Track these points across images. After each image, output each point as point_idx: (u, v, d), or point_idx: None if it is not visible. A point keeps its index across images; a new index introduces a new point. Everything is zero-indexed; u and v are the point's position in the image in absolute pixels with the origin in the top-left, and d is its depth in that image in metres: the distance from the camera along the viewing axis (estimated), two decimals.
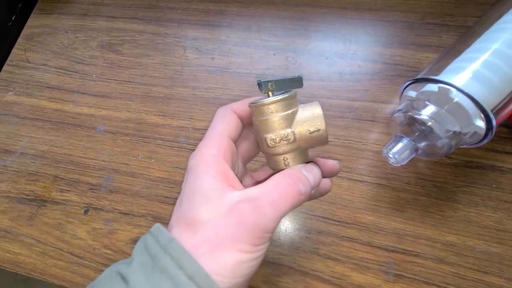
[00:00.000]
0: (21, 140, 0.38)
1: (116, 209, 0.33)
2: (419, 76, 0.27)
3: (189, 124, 0.36)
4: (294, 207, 0.18)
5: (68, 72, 0.41)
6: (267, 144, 0.19)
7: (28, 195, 0.35)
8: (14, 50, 0.43)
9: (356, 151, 0.32)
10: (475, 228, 0.28)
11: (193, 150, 0.35)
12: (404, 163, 0.26)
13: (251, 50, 0.38)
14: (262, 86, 0.18)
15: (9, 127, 0.39)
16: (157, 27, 0.41)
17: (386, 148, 0.26)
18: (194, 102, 0.37)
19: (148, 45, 0.40)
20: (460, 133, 0.24)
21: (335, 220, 0.30)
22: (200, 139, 0.37)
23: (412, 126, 0.26)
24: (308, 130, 0.18)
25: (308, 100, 0.34)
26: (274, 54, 0.37)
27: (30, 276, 0.32)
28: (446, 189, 0.29)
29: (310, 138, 0.18)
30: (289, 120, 0.18)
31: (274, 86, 0.18)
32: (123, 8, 0.43)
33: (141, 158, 0.35)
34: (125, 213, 0.33)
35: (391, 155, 0.26)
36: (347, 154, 0.32)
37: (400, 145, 0.25)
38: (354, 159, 0.32)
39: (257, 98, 0.19)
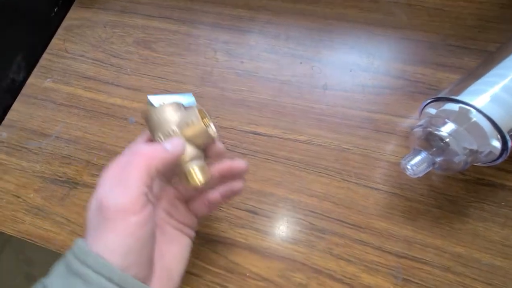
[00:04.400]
0: (56, 125, 0.40)
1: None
2: (440, 95, 0.29)
3: (216, 123, 0.38)
4: (150, 170, 0.20)
5: (104, 65, 0.43)
6: (158, 141, 0.23)
7: (61, 177, 0.37)
8: (54, 40, 0.46)
9: (373, 160, 0.34)
10: (482, 241, 0.30)
11: None
12: (420, 175, 0.27)
13: (279, 57, 0.40)
14: (150, 101, 0.23)
15: (46, 111, 0.41)
16: (191, 29, 0.43)
17: (404, 160, 0.28)
18: (222, 102, 0.39)
19: (181, 45, 0.43)
20: (476, 151, 0.26)
21: (349, 224, 0.32)
22: (226, 137, 0.39)
23: (430, 141, 0.28)
24: (187, 124, 0.22)
25: (332, 108, 0.36)
26: (301, 63, 0.39)
27: (59, 252, 0.34)
28: (457, 203, 0.31)
29: (193, 132, 0.22)
30: (172, 120, 0.23)
31: (162, 99, 0.23)
32: (159, 7, 0.45)
33: None
34: None
35: (409, 167, 0.27)
36: (364, 163, 0.34)
37: (418, 158, 0.27)
38: (371, 168, 0.33)
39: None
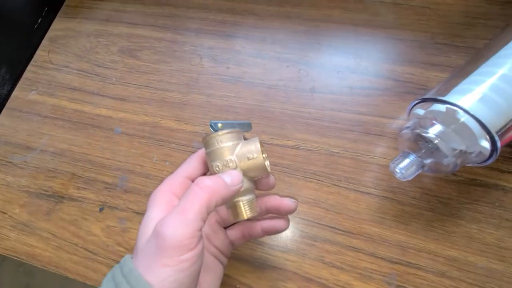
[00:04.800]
0: (41, 138, 0.40)
1: (130, 208, 0.34)
2: (427, 96, 0.28)
3: (203, 130, 0.37)
4: (210, 205, 0.20)
5: (89, 75, 0.42)
6: (214, 171, 0.22)
7: (46, 191, 0.37)
8: (38, 52, 0.45)
9: (363, 163, 0.33)
10: (477, 244, 0.29)
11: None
12: (410, 178, 0.27)
13: (265, 61, 0.40)
14: (213, 125, 0.22)
15: (31, 124, 0.41)
16: (175, 35, 0.43)
17: (393, 163, 0.27)
18: (209, 109, 0.38)
19: (166, 52, 0.42)
20: (465, 152, 0.25)
21: (341, 230, 0.31)
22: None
23: (419, 143, 0.27)
24: (247, 157, 0.22)
25: (320, 111, 0.35)
26: (287, 66, 0.39)
27: (45, 268, 0.33)
28: (450, 205, 0.30)
29: (250, 165, 0.22)
30: (232, 150, 0.22)
31: (222, 126, 0.22)
32: (144, 15, 0.45)
33: (155, 160, 0.36)
34: (138, 213, 0.34)
35: (397, 170, 0.27)
36: (354, 167, 0.33)
37: (407, 161, 0.26)
38: (361, 172, 0.33)
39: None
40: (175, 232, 0.18)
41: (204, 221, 0.20)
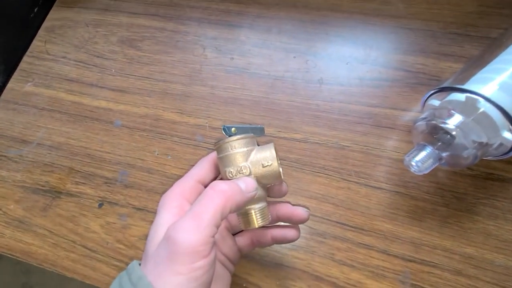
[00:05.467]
0: (38, 131, 0.38)
1: (130, 204, 0.33)
2: (444, 85, 0.27)
3: (206, 123, 0.36)
4: (224, 211, 0.19)
5: (87, 66, 0.41)
6: (227, 177, 0.21)
7: (43, 186, 0.35)
8: (34, 42, 0.44)
9: (374, 157, 0.32)
10: (494, 241, 0.28)
11: (210, 148, 0.35)
12: (426, 172, 0.25)
13: (271, 52, 0.38)
14: (226, 130, 0.21)
15: (27, 117, 0.39)
16: (177, 25, 0.41)
17: (408, 156, 0.26)
18: (212, 101, 0.37)
19: (168, 43, 0.41)
20: (486, 144, 0.24)
21: (351, 226, 0.29)
22: (217, 138, 0.37)
23: (435, 135, 0.26)
24: (262, 164, 0.21)
25: (328, 103, 0.34)
26: (294, 57, 0.37)
27: (41, 267, 0.32)
28: (466, 200, 0.29)
29: (264, 172, 0.21)
30: (246, 156, 0.21)
31: (236, 130, 0.22)
32: (144, 4, 0.43)
33: (157, 154, 0.35)
34: (139, 209, 0.33)
35: (413, 163, 0.25)
36: (365, 160, 0.32)
37: (423, 154, 0.25)
38: (372, 166, 0.31)
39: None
40: (189, 237, 0.17)
41: (218, 227, 0.18)
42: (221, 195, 0.19)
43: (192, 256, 0.17)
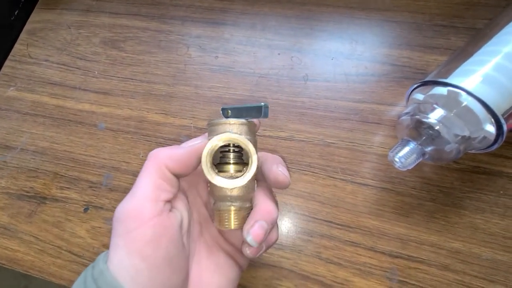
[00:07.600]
0: (21, 136, 0.37)
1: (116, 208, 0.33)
2: (427, 79, 0.26)
3: (191, 123, 0.35)
4: (160, 169, 0.18)
5: (70, 68, 0.40)
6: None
7: (27, 192, 0.35)
8: (16, 45, 0.43)
9: (360, 154, 0.31)
10: (481, 235, 0.27)
11: None
12: (410, 167, 0.25)
13: (256, 49, 0.38)
14: (223, 111, 0.20)
15: (10, 122, 0.38)
16: (160, 24, 0.41)
17: (392, 152, 0.26)
18: (197, 101, 0.36)
19: (151, 42, 0.40)
20: (469, 138, 0.24)
21: (338, 224, 0.29)
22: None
23: (419, 130, 0.25)
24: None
25: (314, 100, 0.34)
26: (279, 54, 0.37)
27: (28, 273, 0.31)
28: (452, 194, 0.29)
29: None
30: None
31: (230, 112, 0.20)
32: (126, 4, 0.43)
33: (142, 156, 0.34)
34: None
35: (397, 159, 0.25)
36: (351, 157, 0.31)
37: (406, 149, 0.25)
38: (358, 162, 0.31)
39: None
40: (122, 204, 0.17)
41: (163, 190, 0.17)
42: (151, 157, 0.18)
43: (128, 224, 0.16)
